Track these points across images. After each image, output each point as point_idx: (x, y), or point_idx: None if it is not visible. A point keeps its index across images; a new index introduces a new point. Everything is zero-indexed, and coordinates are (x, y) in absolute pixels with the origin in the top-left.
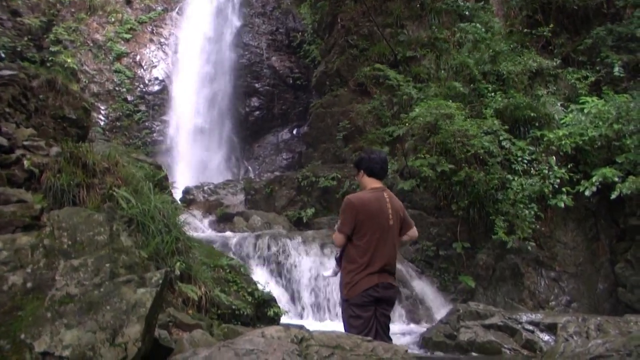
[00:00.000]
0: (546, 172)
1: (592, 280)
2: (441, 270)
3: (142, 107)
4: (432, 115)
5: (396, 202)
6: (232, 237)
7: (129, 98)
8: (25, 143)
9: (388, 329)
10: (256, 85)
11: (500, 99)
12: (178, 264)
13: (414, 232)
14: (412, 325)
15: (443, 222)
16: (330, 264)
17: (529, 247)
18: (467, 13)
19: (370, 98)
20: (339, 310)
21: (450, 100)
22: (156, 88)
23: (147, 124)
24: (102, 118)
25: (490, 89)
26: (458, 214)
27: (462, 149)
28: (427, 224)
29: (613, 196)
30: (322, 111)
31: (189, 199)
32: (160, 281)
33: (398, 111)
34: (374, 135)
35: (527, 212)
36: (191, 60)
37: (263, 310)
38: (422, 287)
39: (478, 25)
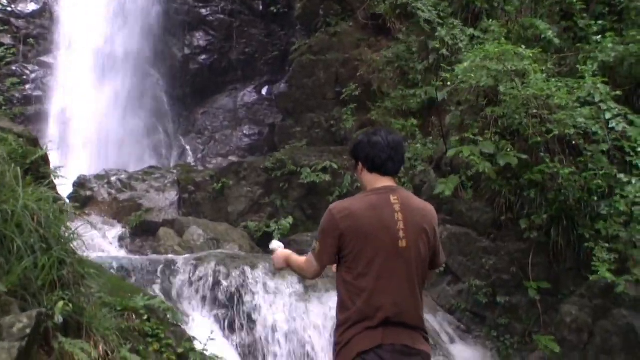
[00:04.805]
0: None
1: None
2: (500, 329)
3: (7, 40)
4: (490, 72)
5: (416, 209)
6: (155, 262)
7: None
8: None
9: None
10: (203, 11)
11: (611, 45)
12: (61, 303)
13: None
14: None
15: (505, 248)
16: (317, 305)
17: None
18: None
19: (392, 39)
20: None
21: (524, 47)
22: (32, 8)
23: (15, 68)
24: None
25: (595, 27)
26: (531, 235)
27: (539, 129)
28: (477, 251)
29: None
30: (311, 59)
31: (84, 197)
32: (28, 331)
33: (435, 63)
34: (395, 101)
35: None
36: None
37: None
38: (467, 356)
39: None
